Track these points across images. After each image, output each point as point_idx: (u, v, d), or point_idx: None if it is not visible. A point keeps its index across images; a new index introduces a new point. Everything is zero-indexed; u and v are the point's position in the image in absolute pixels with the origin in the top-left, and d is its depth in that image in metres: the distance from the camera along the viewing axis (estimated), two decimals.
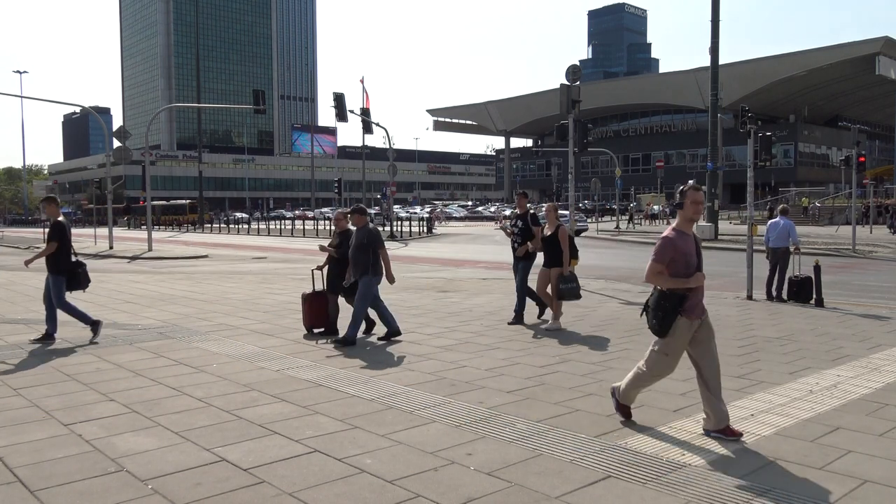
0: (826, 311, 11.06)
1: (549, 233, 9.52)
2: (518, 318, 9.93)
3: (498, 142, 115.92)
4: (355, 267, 8.48)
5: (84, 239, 39.71)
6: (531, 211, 10.19)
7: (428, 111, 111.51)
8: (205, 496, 3.99)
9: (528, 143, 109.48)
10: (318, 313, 9.11)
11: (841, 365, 7.25)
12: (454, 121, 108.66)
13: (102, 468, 4.42)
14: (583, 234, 36.87)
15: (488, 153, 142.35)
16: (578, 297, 9.54)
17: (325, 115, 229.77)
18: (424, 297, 12.95)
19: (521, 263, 10.03)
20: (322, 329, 9.12)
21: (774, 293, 12.35)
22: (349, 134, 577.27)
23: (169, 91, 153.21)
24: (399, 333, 8.74)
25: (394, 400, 5.93)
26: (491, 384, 6.46)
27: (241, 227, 56.27)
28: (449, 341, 8.57)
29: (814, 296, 11.75)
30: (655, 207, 58.20)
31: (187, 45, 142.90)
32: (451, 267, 20.92)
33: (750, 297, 12.48)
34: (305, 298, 9.16)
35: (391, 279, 8.67)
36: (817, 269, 11.89)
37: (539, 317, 10.16)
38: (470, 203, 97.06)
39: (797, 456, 4.58)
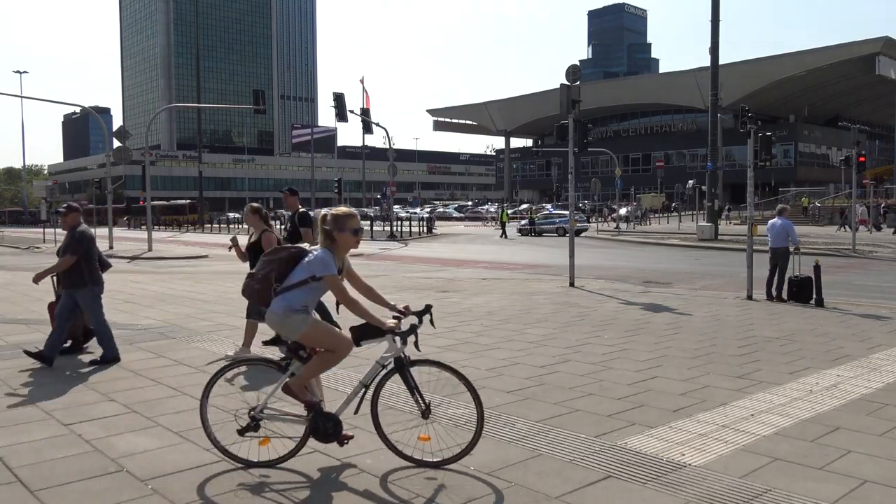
0: (826, 311, 11.06)
1: (253, 239, 7.78)
2: (276, 338, 8.00)
3: (498, 142, 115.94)
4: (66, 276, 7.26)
5: None
6: (301, 209, 8.57)
7: (428, 111, 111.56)
8: (205, 496, 3.99)
9: (528, 143, 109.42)
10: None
11: (841, 365, 7.25)
12: (454, 121, 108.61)
13: (102, 468, 4.42)
14: (583, 234, 36.88)
15: (488, 153, 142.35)
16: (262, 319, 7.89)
17: (326, 115, 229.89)
18: (424, 297, 12.95)
19: None
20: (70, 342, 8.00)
21: (774, 293, 12.35)
22: (349, 134, 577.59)
23: (169, 91, 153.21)
24: (114, 361, 7.45)
25: (394, 400, 5.93)
26: (491, 384, 6.46)
27: (241, 226, 56.20)
28: (449, 341, 8.56)
29: (814, 296, 11.75)
30: (625, 209, 51.45)
31: (187, 45, 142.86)
32: (451, 267, 20.91)
33: (750, 297, 12.48)
34: (49, 307, 8.09)
35: (55, 292, 7.41)
36: (817, 268, 11.89)
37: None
38: (470, 203, 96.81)
39: (797, 456, 4.58)
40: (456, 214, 75.30)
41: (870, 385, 6.41)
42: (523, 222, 42.16)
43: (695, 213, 46.28)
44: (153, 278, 17.36)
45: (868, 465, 4.41)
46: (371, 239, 37.23)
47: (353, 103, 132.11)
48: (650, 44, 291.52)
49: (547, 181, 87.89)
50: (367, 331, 4.26)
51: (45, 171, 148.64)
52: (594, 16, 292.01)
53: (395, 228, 39.58)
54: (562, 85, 15.10)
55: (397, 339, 4.30)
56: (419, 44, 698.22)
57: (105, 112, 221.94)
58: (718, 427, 5.18)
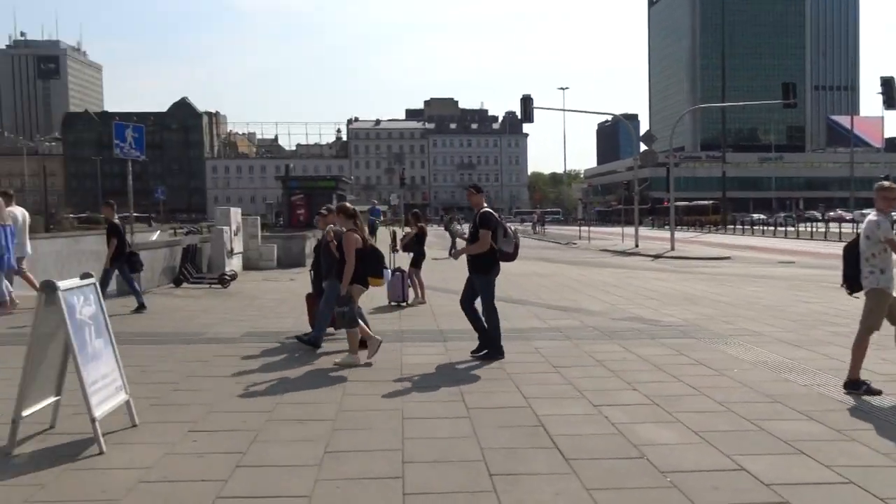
0: None
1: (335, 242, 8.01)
2: None
3: None
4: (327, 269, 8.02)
5: (612, 237, 43.13)
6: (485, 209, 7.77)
7: None
8: (722, 502, 3.89)
9: None
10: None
11: None
12: None
13: (625, 452, 4.68)
14: None
15: None
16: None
17: (870, 104, 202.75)
18: None
19: None
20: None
21: None
22: None
23: (693, 93, 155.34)
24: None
25: None
26: None
27: (764, 229, 53.59)
28: None
29: None
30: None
31: (713, 45, 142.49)
32: None
33: None
34: (307, 298, 9.12)
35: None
36: None
37: None
38: None
39: None
40: None
41: None
42: None
43: None
44: (675, 277, 17.83)
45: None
46: None
47: None
48: None
49: None
50: None
51: (582, 175, 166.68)
52: None
53: None
54: None
55: None
56: None
57: (633, 118, 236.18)
58: None
